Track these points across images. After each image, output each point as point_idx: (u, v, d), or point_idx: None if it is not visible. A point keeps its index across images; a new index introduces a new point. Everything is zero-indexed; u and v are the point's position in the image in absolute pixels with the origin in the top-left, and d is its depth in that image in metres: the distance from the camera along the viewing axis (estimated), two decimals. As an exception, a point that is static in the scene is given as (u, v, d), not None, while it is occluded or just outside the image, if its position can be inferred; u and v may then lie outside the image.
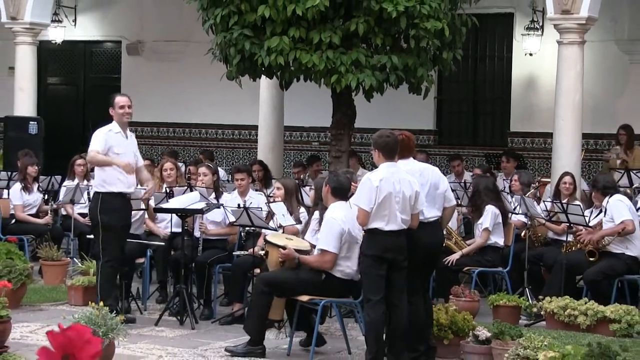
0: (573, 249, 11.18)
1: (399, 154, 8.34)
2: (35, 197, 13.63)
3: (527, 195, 11.96)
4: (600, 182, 11.18)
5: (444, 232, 11.15)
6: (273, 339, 9.32)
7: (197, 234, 11.03)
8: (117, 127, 10.00)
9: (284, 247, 8.83)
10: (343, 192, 8.72)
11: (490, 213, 11.21)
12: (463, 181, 14.29)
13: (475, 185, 11.76)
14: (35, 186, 13.68)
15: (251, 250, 10.29)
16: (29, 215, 13.51)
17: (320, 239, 8.66)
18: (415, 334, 8.35)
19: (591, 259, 10.78)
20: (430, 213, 8.46)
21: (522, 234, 11.65)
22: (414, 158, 8.81)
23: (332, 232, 8.54)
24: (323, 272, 8.64)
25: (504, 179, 14.24)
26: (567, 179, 12.02)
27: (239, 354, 8.67)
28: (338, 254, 8.53)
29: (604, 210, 10.91)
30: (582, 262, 10.84)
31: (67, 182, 13.77)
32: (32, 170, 13.61)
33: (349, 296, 8.88)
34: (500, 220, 11.29)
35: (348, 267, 8.63)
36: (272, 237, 9.30)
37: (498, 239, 11.31)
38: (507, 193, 12.56)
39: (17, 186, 13.53)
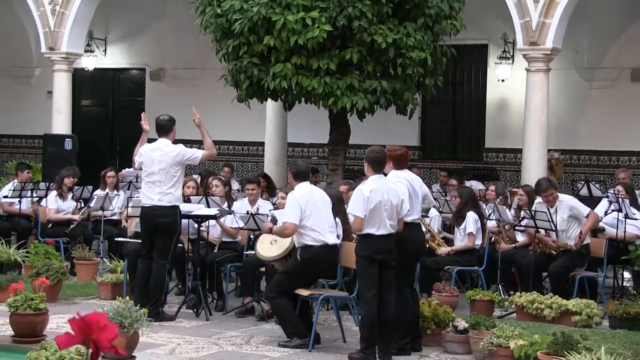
0: (538, 250, 11.15)
1: (398, 165, 8.48)
2: (69, 205, 13.55)
3: (497, 202, 11.95)
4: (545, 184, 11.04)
5: (428, 234, 11.19)
6: (277, 328, 9.28)
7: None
8: None
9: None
10: (302, 175, 8.87)
11: (472, 219, 11.18)
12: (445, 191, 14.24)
13: (460, 194, 11.69)
14: (70, 195, 13.63)
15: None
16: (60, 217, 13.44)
17: (284, 214, 8.73)
18: (406, 324, 8.35)
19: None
20: (414, 216, 8.52)
21: (493, 239, 11.59)
22: (409, 170, 8.96)
23: (292, 207, 8.61)
24: (295, 254, 8.69)
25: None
26: (520, 191, 12.02)
27: (292, 347, 8.56)
28: (297, 223, 8.53)
29: (554, 209, 10.72)
30: (546, 261, 10.77)
31: (98, 192, 13.75)
32: (68, 181, 13.57)
33: (334, 267, 8.91)
34: (480, 225, 11.27)
35: (318, 233, 8.60)
36: (260, 243, 9.29)
37: (477, 241, 11.28)
38: (483, 202, 12.52)
39: (53, 193, 13.50)
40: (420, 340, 8.57)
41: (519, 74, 15.30)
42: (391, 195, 8.07)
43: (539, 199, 11.04)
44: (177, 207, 9.73)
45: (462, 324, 8.48)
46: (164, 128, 9.81)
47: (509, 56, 16.67)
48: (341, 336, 8.93)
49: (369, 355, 7.99)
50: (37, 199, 13.86)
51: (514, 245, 11.63)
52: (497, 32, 16.61)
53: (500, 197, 12.35)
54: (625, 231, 11.07)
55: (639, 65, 15.98)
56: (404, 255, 8.27)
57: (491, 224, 11.78)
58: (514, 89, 16.48)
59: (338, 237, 8.95)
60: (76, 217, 13.34)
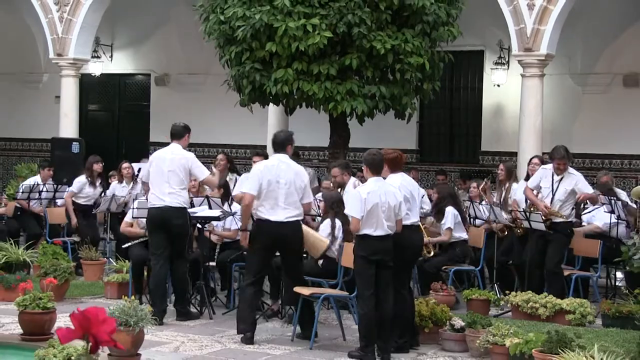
0: (518, 227, 11.05)
1: (393, 168, 8.43)
2: (96, 192, 13.49)
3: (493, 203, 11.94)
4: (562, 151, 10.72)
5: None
6: (279, 327, 9.29)
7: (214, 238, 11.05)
8: None
9: None
10: (276, 145, 8.92)
11: (450, 214, 11.18)
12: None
13: (439, 191, 11.68)
14: (98, 182, 13.56)
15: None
16: (84, 204, 13.35)
17: (244, 186, 8.87)
18: (403, 322, 8.35)
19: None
20: (413, 219, 8.52)
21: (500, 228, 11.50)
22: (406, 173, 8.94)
23: (251, 178, 8.79)
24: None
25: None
26: (501, 165, 12.08)
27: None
28: (254, 194, 8.60)
29: (560, 177, 10.54)
30: (541, 258, 10.63)
31: (114, 184, 13.73)
32: (97, 167, 13.57)
33: (284, 244, 8.75)
34: (460, 220, 11.27)
35: (264, 209, 8.64)
36: None
37: (462, 234, 11.30)
38: (479, 203, 12.44)
39: (83, 179, 13.42)
40: (417, 336, 8.57)
41: (514, 80, 15.29)
42: (389, 197, 8.08)
43: (545, 166, 10.89)
44: (186, 209, 9.77)
45: (459, 322, 8.49)
46: (177, 134, 9.89)
47: (505, 62, 16.66)
48: (341, 334, 8.93)
49: (368, 353, 7.99)
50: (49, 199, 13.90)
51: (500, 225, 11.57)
52: (492, 39, 16.61)
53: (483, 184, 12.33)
54: (617, 232, 11.09)
55: (631, 71, 15.98)
56: (402, 256, 8.28)
57: (479, 222, 11.79)
58: (509, 94, 16.46)
59: (299, 215, 8.78)
60: (74, 222, 13.28)
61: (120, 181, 13.75)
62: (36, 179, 14.39)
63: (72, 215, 13.32)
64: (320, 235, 9.48)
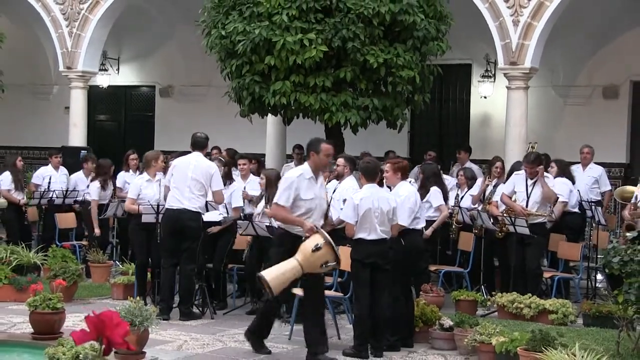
0: (502, 231, 11.01)
1: (404, 174, 8.56)
2: (109, 192, 13.49)
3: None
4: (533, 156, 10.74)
5: None
6: (277, 326, 9.27)
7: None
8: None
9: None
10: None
11: (438, 192, 11.09)
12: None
13: (424, 171, 11.57)
14: (110, 182, 13.54)
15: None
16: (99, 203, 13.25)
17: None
18: (398, 322, 8.35)
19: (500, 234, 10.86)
20: (422, 224, 8.64)
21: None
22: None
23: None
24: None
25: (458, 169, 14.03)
26: (498, 164, 12.06)
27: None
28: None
29: (533, 181, 10.51)
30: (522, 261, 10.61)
31: (122, 174, 13.66)
32: (111, 170, 13.57)
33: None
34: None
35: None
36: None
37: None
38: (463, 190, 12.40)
39: (96, 184, 13.32)
40: (412, 338, 8.57)
41: (500, 92, 15.32)
42: (382, 203, 8.08)
43: (518, 171, 10.83)
44: (201, 214, 9.80)
45: (447, 322, 8.49)
46: (199, 143, 9.92)
47: (491, 75, 16.69)
48: (336, 333, 8.93)
49: (362, 351, 7.99)
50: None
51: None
52: (480, 53, 16.63)
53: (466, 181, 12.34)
54: (598, 237, 11.11)
55: (610, 84, 16.02)
56: (404, 258, 8.29)
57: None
58: (495, 105, 16.49)
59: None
60: (97, 231, 13.21)
61: (127, 170, 13.80)
62: (47, 168, 14.49)
63: (95, 225, 13.15)
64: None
